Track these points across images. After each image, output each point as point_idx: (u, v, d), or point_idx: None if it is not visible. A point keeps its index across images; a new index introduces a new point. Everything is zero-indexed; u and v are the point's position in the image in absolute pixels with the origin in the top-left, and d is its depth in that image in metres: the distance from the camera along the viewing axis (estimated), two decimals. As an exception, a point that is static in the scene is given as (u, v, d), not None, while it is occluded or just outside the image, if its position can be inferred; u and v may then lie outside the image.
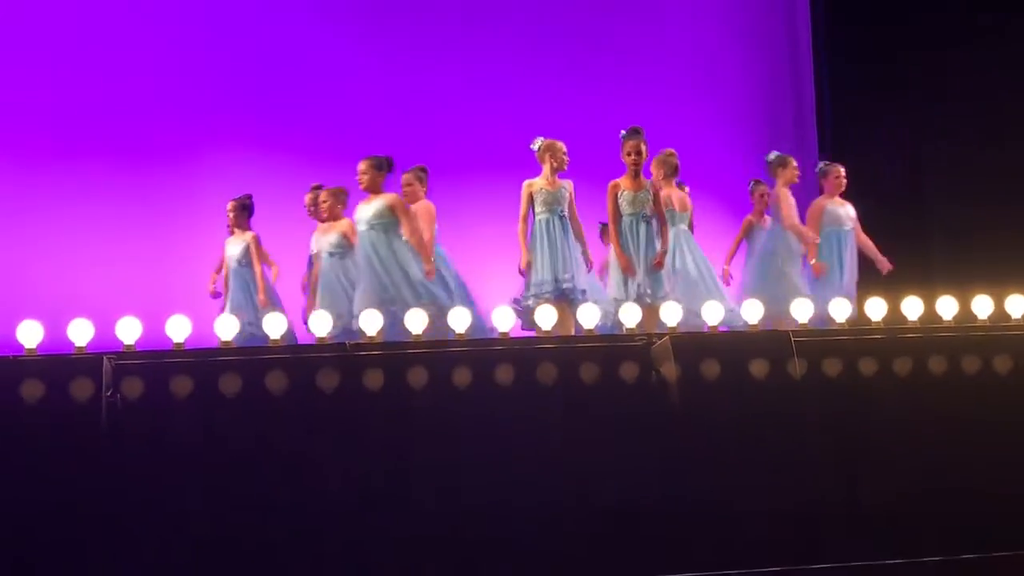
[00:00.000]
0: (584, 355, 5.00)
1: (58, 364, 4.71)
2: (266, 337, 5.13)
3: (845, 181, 7.27)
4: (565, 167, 6.54)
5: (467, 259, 7.29)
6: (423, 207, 6.83)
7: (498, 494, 4.75)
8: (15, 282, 8.04)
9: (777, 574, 4.78)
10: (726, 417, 4.98)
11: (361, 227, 6.42)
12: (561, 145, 6.52)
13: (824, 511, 4.94)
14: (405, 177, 6.97)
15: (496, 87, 9.32)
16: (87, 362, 4.70)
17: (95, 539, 4.56)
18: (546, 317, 5.30)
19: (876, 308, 5.56)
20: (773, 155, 7.32)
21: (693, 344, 5.11)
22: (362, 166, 6.47)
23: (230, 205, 7.40)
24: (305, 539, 4.66)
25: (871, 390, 5.14)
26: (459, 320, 5.19)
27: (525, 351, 5.02)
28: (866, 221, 7.42)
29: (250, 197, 7.44)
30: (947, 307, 5.58)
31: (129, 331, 4.87)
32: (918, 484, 5.03)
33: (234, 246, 7.34)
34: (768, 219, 7.45)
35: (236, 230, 7.39)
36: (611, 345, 5.15)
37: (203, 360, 4.82)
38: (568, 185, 6.55)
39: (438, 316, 5.68)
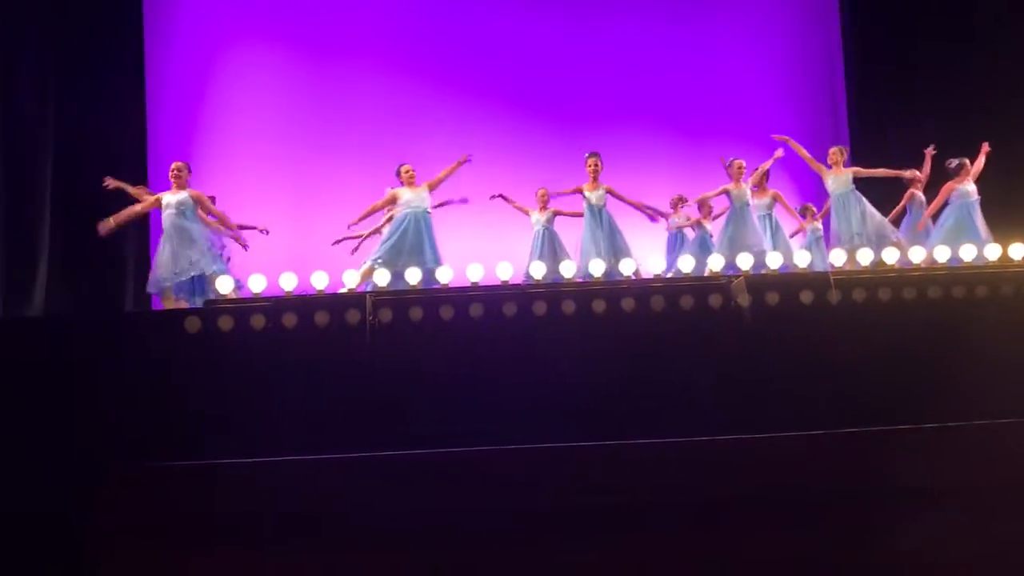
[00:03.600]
0: (686, 290, 7.22)
1: (336, 300, 7.08)
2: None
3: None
4: None
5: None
6: None
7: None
8: (306, 239, 10.08)
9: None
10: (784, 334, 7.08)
11: None
12: None
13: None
14: None
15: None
16: (356, 298, 7.06)
17: (359, 414, 6.65)
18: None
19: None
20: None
21: (759, 281, 7.31)
22: None
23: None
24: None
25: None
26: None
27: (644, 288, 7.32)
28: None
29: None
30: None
31: (382, 278, 7.39)
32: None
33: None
34: None
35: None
36: (703, 283, 7.38)
37: (429, 296, 7.15)
38: None
39: None
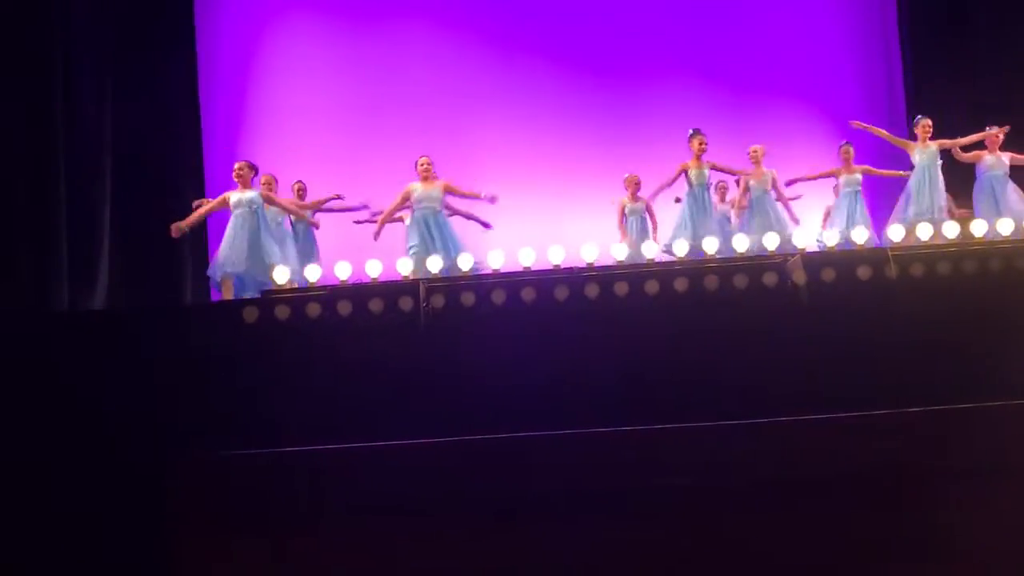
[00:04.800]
0: (740, 269, 7.17)
1: (390, 287, 7.16)
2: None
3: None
4: None
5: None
6: None
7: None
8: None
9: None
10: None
11: None
12: None
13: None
14: None
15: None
16: (410, 286, 7.15)
17: (411, 393, 6.74)
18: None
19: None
20: None
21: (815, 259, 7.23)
22: None
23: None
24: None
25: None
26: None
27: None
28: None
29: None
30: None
31: (435, 264, 7.49)
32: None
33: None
34: None
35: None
36: (759, 263, 7.34)
37: (480, 282, 7.20)
38: None
39: None
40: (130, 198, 9.25)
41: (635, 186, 9.32)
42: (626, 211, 9.36)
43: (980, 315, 6.88)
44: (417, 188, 8.49)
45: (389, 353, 6.84)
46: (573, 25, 10.67)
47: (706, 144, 8.97)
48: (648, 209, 9.33)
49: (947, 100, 9.77)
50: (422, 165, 8.53)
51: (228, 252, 8.10)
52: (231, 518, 6.13)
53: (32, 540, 6.33)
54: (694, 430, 6.35)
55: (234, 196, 8.20)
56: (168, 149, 9.55)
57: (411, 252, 8.34)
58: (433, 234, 8.34)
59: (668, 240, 8.74)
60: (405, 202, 8.59)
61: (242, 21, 10.53)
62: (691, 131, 9.07)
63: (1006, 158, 8.91)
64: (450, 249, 8.19)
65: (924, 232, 7.89)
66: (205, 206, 8.41)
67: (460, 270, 7.62)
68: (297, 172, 9.41)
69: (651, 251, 7.98)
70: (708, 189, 9.08)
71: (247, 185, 8.25)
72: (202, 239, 9.40)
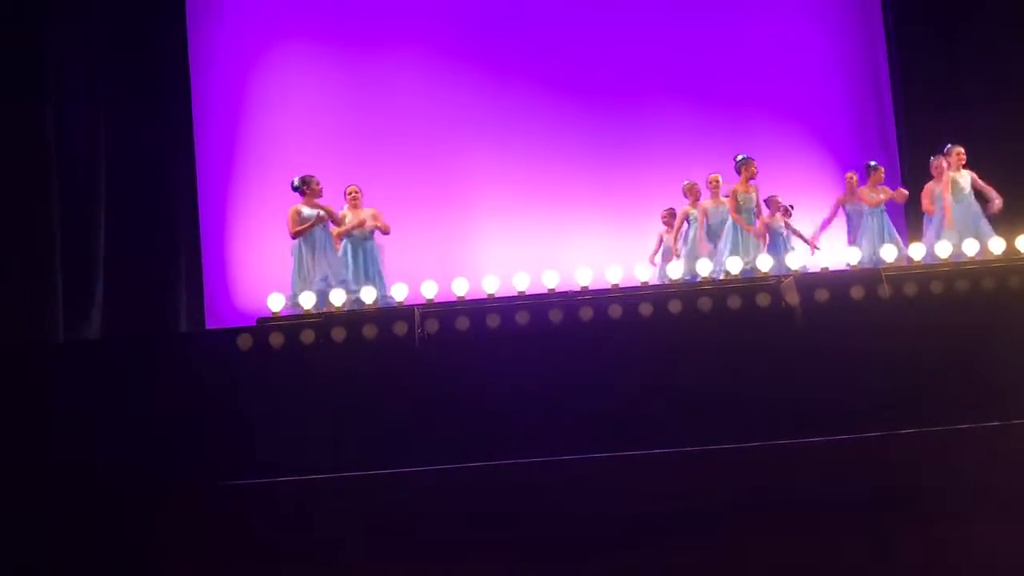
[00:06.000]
0: (733, 291, 7.18)
1: (385, 313, 7.17)
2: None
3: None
4: None
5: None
6: None
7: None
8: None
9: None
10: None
11: None
12: None
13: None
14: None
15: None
16: (405, 311, 7.14)
17: (410, 417, 6.72)
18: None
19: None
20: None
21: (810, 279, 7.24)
22: None
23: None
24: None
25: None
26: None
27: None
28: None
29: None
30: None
31: (429, 289, 7.48)
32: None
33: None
34: None
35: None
36: (750, 284, 7.36)
37: (474, 307, 7.17)
38: None
39: None
40: (124, 226, 9.18)
41: (716, 186, 9.16)
42: (690, 218, 9.26)
43: (977, 334, 6.86)
44: (347, 215, 8.34)
45: (383, 380, 6.82)
46: (566, 47, 10.66)
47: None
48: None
49: (938, 122, 9.78)
50: (350, 194, 8.41)
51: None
52: (223, 549, 6.05)
53: (22, 570, 6.23)
54: (688, 455, 6.29)
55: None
56: (162, 173, 9.49)
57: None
58: (358, 265, 8.18)
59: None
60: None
61: (236, 44, 10.47)
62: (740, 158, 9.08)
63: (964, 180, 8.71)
64: (375, 283, 8.03)
65: (970, 248, 7.90)
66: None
67: (363, 303, 7.52)
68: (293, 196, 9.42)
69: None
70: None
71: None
72: (198, 266, 9.37)
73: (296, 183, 8.06)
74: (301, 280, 7.81)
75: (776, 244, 9.03)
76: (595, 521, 6.08)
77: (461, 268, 8.39)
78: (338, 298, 7.42)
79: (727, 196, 8.99)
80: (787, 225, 9.32)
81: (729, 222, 8.89)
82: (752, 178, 8.96)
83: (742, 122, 10.36)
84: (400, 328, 6.96)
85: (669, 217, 9.51)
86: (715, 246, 8.96)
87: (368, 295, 7.55)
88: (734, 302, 7.09)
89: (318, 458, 6.44)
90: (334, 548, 6.00)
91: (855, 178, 9.39)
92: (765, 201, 9.27)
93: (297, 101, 10.34)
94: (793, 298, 7.09)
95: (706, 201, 9.16)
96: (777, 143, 9.86)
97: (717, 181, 9.13)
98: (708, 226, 9.03)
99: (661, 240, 9.55)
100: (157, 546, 6.14)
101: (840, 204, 9.37)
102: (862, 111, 10.71)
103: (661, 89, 10.61)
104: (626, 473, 6.26)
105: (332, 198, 8.29)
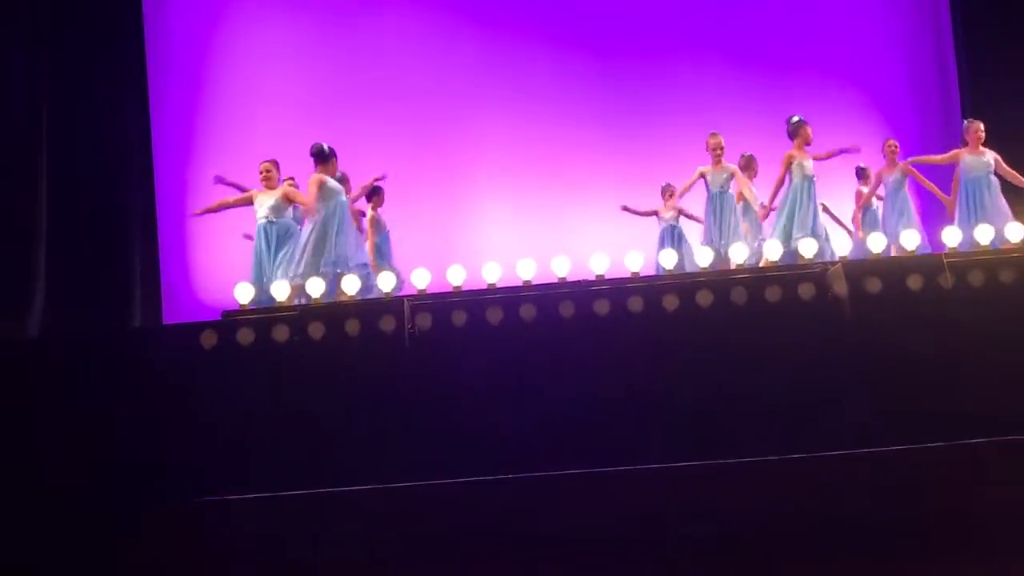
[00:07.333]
0: (775, 280, 6.49)
1: (370, 305, 6.52)
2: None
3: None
4: None
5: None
6: None
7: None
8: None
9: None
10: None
11: None
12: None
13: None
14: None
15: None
16: (392, 304, 6.49)
17: (402, 419, 6.16)
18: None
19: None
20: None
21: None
22: None
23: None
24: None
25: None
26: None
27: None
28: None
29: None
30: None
31: (420, 279, 6.80)
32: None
33: None
34: None
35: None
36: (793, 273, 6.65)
37: (473, 300, 6.56)
38: None
39: None
40: (71, 216, 8.49)
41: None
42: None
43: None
44: (256, 196, 7.71)
45: (367, 383, 6.34)
46: (576, 7, 10.13)
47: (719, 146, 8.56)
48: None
49: (1004, 89, 9.19)
50: (263, 171, 7.79)
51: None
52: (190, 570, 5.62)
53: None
54: (721, 467, 5.73)
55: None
56: (113, 149, 8.83)
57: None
58: (261, 252, 7.54)
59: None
60: (243, 203, 7.82)
61: (195, 9, 10.01)
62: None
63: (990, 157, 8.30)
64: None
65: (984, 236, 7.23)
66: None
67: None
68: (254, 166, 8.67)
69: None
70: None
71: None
72: (154, 253, 8.75)
73: (326, 149, 7.51)
74: (295, 265, 7.26)
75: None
76: (610, 545, 5.51)
77: (457, 254, 7.83)
78: (351, 286, 6.83)
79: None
80: (825, 209, 8.73)
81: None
82: (808, 144, 8.24)
83: (787, 86, 9.78)
84: (387, 323, 6.41)
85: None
86: (718, 224, 8.51)
87: (350, 284, 6.91)
88: (773, 293, 6.37)
89: (291, 472, 5.97)
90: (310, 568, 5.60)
91: (896, 146, 8.85)
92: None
93: (269, 66, 9.80)
94: (841, 288, 6.33)
95: (706, 168, 8.68)
96: (827, 109, 9.13)
97: (719, 144, 8.68)
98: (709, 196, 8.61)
99: (658, 216, 9.04)
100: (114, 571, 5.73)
101: (879, 178, 8.91)
102: (921, 75, 10.23)
103: (695, 46, 10.09)
104: (649, 490, 5.69)
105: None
